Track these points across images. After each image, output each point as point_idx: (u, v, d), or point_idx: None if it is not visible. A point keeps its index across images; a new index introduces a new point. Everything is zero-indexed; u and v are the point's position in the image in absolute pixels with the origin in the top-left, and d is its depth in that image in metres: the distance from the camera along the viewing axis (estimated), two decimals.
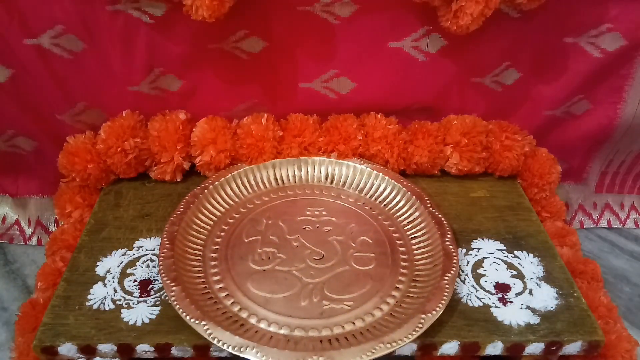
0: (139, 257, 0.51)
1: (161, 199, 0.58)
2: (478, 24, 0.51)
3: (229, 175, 0.59)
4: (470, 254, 0.52)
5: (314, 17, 0.56)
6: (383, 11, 0.56)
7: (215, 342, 0.41)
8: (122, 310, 0.46)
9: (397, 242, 0.53)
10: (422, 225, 0.54)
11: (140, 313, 0.46)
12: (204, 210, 0.55)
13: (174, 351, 0.44)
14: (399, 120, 0.62)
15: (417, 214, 0.55)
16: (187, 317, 0.43)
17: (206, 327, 0.42)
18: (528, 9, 0.53)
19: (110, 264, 0.50)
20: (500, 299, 0.48)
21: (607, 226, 0.71)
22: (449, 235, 0.51)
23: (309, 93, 0.61)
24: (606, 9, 0.55)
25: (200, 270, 0.49)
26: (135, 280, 0.49)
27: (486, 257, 0.52)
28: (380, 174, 0.59)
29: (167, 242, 0.50)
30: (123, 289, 0.48)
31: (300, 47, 0.58)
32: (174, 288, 0.45)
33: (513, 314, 0.46)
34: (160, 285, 0.48)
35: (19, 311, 0.50)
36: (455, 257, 0.49)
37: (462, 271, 0.50)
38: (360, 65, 0.60)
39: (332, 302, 0.47)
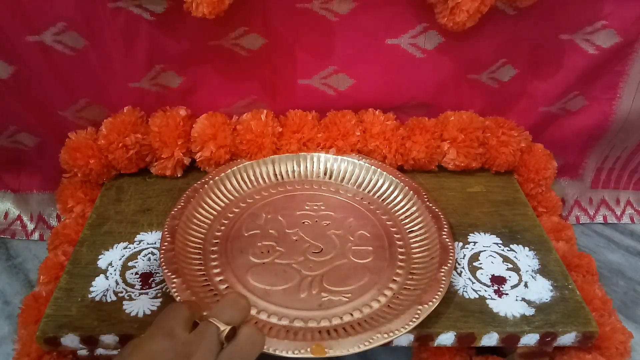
0: (141, 251, 0.52)
1: (162, 194, 0.59)
2: (474, 21, 0.52)
3: (229, 170, 0.59)
4: (467, 248, 0.53)
5: (313, 14, 0.56)
6: (381, 8, 0.56)
7: None
8: (124, 302, 0.47)
9: (395, 235, 0.54)
10: (420, 219, 0.55)
11: (142, 305, 0.46)
12: (204, 205, 0.56)
13: None
14: (396, 117, 0.63)
15: (414, 208, 0.56)
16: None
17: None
18: (524, 6, 0.54)
19: (112, 257, 0.51)
20: (495, 291, 0.48)
21: (603, 221, 0.72)
22: (445, 229, 0.52)
23: (308, 90, 0.62)
24: (601, 6, 0.56)
25: (201, 263, 0.50)
26: (136, 273, 0.49)
27: (482, 251, 0.53)
28: (379, 170, 0.60)
29: (168, 235, 0.51)
30: (125, 281, 0.49)
31: (299, 44, 0.59)
32: (174, 280, 0.46)
33: (508, 306, 0.47)
34: (161, 277, 0.49)
35: (22, 304, 0.50)
36: (451, 250, 0.50)
37: (459, 264, 0.51)
38: (359, 62, 0.60)
39: (331, 294, 0.47)
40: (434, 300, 0.45)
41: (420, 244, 0.53)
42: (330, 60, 0.60)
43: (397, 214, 0.57)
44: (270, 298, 0.47)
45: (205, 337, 0.33)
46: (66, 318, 0.45)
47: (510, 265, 0.51)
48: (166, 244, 0.50)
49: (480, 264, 0.51)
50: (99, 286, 0.48)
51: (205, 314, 0.35)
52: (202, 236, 0.53)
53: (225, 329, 0.33)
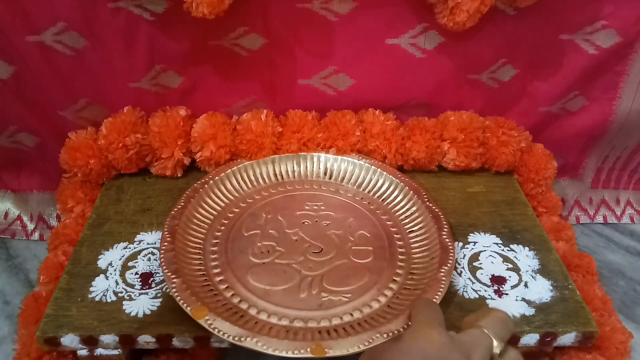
0: (140, 251, 0.52)
1: (162, 194, 0.59)
2: (474, 21, 0.52)
3: (229, 170, 0.59)
4: (467, 248, 0.53)
5: (313, 14, 0.56)
6: (381, 8, 0.56)
7: (215, 332, 0.42)
8: (124, 302, 0.47)
9: (395, 235, 0.54)
10: (420, 219, 0.55)
11: (142, 305, 0.46)
12: (204, 205, 0.56)
13: (175, 342, 0.45)
14: (396, 117, 0.63)
15: (414, 208, 0.56)
16: (188, 308, 0.43)
17: (206, 318, 0.43)
18: (524, 6, 0.54)
19: (112, 257, 0.51)
20: (495, 291, 0.48)
21: (603, 221, 0.72)
22: (445, 229, 0.52)
23: (308, 89, 0.62)
24: (601, 6, 0.56)
25: (201, 263, 0.50)
26: (136, 273, 0.49)
27: (482, 251, 0.53)
28: (379, 170, 0.60)
29: (168, 235, 0.50)
30: (125, 281, 0.49)
31: (299, 44, 0.59)
32: (174, 280, 0.46)
33: (508, 306, 0.47)
34: (161, 277, 0.49)
35: (22, 304, 0.50)
36: (451, 250, 0.50)
37: (459, 264, 0.51)
38: (359, 62, 0.60)
39: (331, 294, 0.47)
40: (434, 300, 0.45)
41: (420, 244, 0.53)
42: (330, 60, 0.60)
43: (397, 214, 0.56)
44: (270, 298, 0.47)
45: (482, 345, 0.35)
46: (66, 318, 0.45)
47: (510, 265, 0.51)
48: (166, 244, 0.50)
49: (480, 264, 0.51)
50: (99, 286, 0.48)
51: (478, 323, 0.37)
52: (202, 236, 0.53)
53: (499, 345, 0.35)
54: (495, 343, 0.35)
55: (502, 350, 0.35)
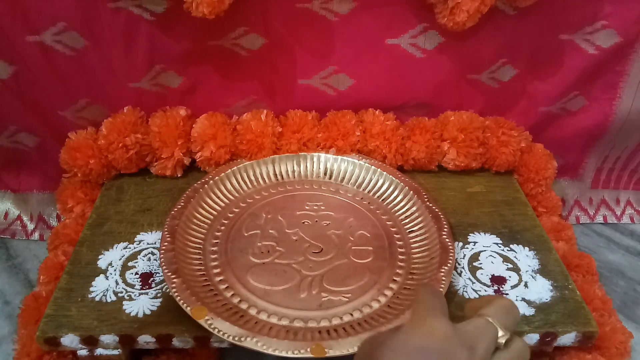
0: (140, 251, 0.52)
1: (162, 194, 0.59)
2: (474, 21, 0.52)
3: (229, 170, 0.59)
4: (467, 248, 0.53)
5: (313, 14, 0.56)
6: (381, 8, 0.56)
7: (215, 332, 0.42)
8: (124, 302, 0.47)
9: (395, 235, 0.54)
10: (420, 219, 0.55)
11: (142, 305, 0.46)
12: (204, 205, 0.56)
13: (175, 342, 0.45)
14: (396, 117, 0.63)
15: (414, 208, 0.56)
16: (188, 308, 0.43)
17: (206, 317, 0.43)
18: (524, 6, 0.54)
19: (112, 257, 0.51)
20: (495, 291, 0.48)
21: (603, 221, 0.72)
22: (445, 229, 0.52)
23: (308, 89, 0.62)
24: (601, 6, 0.56)
25: (201, 263, 0.50)
26: (136, 273, 0.49)
27: (482, 251, 0.53)
28: (379, 170, 0.60)
29: (168, 235, 0.50)
30: (125, 281, 0.49)
31: (299, 44, 0.59)
32: (174, 280, 0.46)
33: None
34: (161, 277, 0.49)
35: (22, 304, 0.50)
36: (451, 250, 0.50)
37: (459, 264, 0.51)
38: (359, 62, 0.60)
39: (331, 294, 0.47)
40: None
41: (420, 244, 0.53)
42: (330, 60, 0.60)
43: (397, 214, 0.57)
44: (270, 298, 0.47)
45: (487, 335, 0.33)
46: (66, 318, 0.45)
47: (510, 265, 0.51)
48: (166, 244, 0.50)
49: (480, 264, 0.51)
50: (99, 286, 0.48)
51: (482, 312, 0.35)
52: (202, 236, 0.53)
53: (504, 334, 0.34)
54: (500, 333, 0.34)
55: (508, 340, 0.34)
